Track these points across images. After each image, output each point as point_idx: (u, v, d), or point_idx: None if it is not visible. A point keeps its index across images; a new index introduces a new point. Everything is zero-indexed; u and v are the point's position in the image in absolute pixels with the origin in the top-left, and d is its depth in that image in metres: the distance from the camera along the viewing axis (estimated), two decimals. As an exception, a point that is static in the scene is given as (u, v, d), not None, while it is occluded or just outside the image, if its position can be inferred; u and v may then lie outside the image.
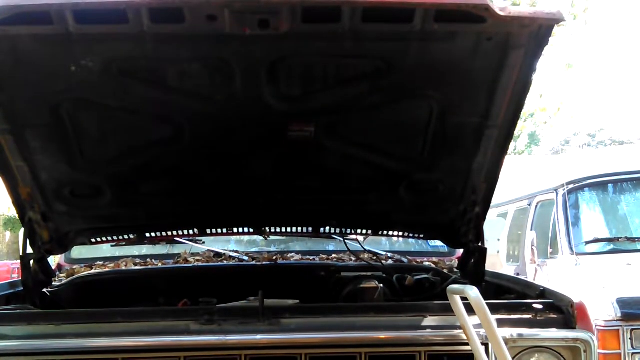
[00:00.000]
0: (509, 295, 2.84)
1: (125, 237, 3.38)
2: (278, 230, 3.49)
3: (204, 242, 3.71)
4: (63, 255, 3.67)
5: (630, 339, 4.10)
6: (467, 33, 2.28)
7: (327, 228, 3.45)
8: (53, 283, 3.17)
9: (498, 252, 5.74)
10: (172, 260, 3.70)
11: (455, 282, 2.99)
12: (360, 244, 3.61)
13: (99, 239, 3.33)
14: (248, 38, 2.20)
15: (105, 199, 2.93)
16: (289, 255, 3.80)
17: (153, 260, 3.72)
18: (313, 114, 2.65)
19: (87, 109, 2.56)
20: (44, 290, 3.05)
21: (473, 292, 2.13)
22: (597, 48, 43.26)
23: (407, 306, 2.50)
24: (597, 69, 47.36)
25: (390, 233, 3.52)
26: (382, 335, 2.30)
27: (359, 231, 3.53)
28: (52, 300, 3.04)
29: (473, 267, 3.04)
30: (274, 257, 3.67)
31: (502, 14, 2.15)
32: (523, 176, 7.57)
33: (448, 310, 2.30)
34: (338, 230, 3.49)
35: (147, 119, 2.62)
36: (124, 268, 3.56)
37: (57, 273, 3.46)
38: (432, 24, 2.19)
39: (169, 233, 3.42)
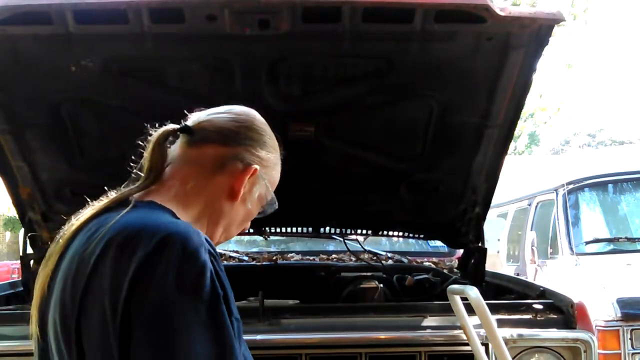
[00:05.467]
0: (509, 295, 2.84)
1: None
2: (278, 230, 3.49)
3: (204, 242, 3.70)
4: (63, 255, 3.67)
5: (630, 339, 4.10)
6: (467, 33, 2.28)
7: (327, 228, 3.45)
8: (53, 283, 3.17)
9: (498, 252, 5.75)
10: (172, 260, 3.69)
11: (455, 282, 2.98)
12: (360, 244, 3.61)
13: (99, 239, 3.32)
14: (248, 38, 2.20)
15: (105, 199, 2.92)
16: (289, 256, 3.80)
17: (153, 261, 3.72)
18: (313, 114, 2.65)
19: (87, 109, 2.56)
20: (44, 290, 3.04)
21: (473, 292, 2.12)
22: (597, 48, 43.27)
23: (407, 306, 2.50)
24: (597, 69, 47.37)
25: (390, 233, 3.52)
26: (382, 335, 2.29)
27: (359, 231, 3.53)
28: (52, 301, 3.04)
29: (473, 267, 3.04)
30: (274, 257, 3.67)
31: (502, 14, 2.15)
32: (523, 176, 7.57)
33: (448, 310, 2.30)
34: (338, 231, 3.49)
35: (147, 119, 2.62)
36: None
37: (57, 273, 3.45)
38: (432, 24, 2.19)
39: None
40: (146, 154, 1.26)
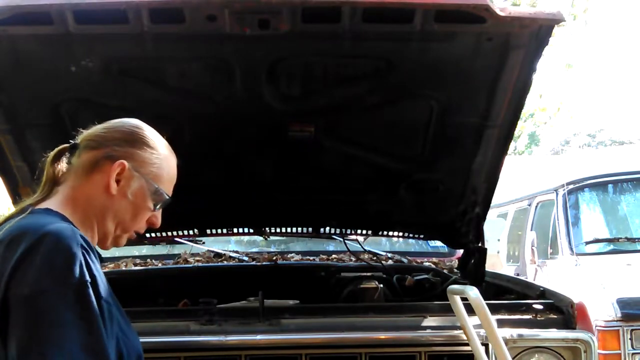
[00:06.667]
0: (509, 295, 2.84)
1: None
2: (278, 230, 3.48)
3: (204, 242, 3.70)
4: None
5: (630, 339, 4.10)
6: (467, 33, 2.28)
7: (327, 228, 3.45)
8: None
9: (498, 252, 5.74)
10: (172, 261, 3.70)
11: (455, 282, 2.98)
12: (360, 244, 3.61)
13: (98, 239, 3.32)
14: (248, 38, 2.21)
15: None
16: (289, 256, 3.80)
17: (153, 261, 3.72)
18: (313, 114, 2.65)
19: (87, 109, 2.56)
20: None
21: (473, 293, 2.12)
22: (597, 48, 43.25)
23: (407, 306, 2.50)
24: (597, 69, 47.33)
25: (390, 233, 3.52)
26: (382, 335, 2.29)
27: (359, 231, 3.53)
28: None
29: (473, 268, 3.04)
30: (274, 258, 3.67)
31: (502, 14, 2.15)
32: (523, 176, 7.57)
33: (448, 310, 2.30)
34: (338, 231, 3.49)
35: (147, 118, 2.62)
36: (124, 268, 3.55)
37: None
38: (432, 24, 2.20)
39: (169, 233, 3.42)
40: (44, 171, 1.49)
